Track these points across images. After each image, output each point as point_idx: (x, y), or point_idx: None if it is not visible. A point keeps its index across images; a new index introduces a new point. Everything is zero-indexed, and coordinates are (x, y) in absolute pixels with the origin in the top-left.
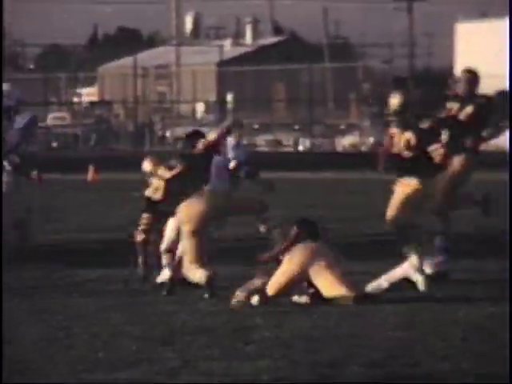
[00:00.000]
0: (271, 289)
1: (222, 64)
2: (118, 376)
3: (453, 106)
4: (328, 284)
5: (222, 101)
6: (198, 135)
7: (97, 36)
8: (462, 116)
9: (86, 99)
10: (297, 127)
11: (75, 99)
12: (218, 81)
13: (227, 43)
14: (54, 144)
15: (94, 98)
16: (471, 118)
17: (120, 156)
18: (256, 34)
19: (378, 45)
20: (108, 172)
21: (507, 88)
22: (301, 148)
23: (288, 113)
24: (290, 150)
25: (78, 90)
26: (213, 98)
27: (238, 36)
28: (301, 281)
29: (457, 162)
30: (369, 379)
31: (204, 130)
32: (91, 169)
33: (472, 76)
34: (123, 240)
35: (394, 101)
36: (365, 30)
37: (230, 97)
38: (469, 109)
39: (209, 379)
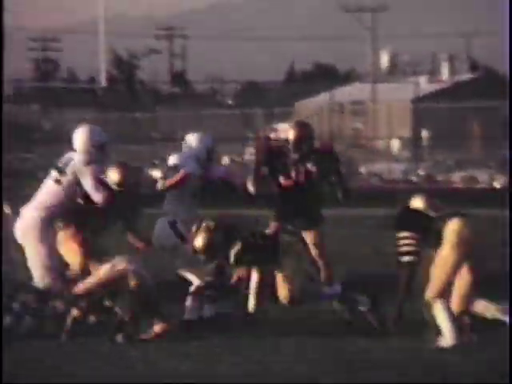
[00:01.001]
0: None
1: (417, 100)
2: None
3: None
4: None
5: (417, 137)
6: None
7: (293, 72)
8: None
9: (282, 135)
10: (492, 164)
11: (272, 135)
12: (412, 117)
13: (423, 80)
14: (250, 178)
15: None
16: None
17: None
18: (452, 71)
19: None
20: None
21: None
22: (496, 185)
23: (483, 150)
24: (486, 186)
25: (275, 126)
26: (407, 134)
27: (433, 72)
28: None
29: None
30: None
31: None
32: None
33: None
34: None
35: None
36: None
37: (424, 133)
38: None
39: None
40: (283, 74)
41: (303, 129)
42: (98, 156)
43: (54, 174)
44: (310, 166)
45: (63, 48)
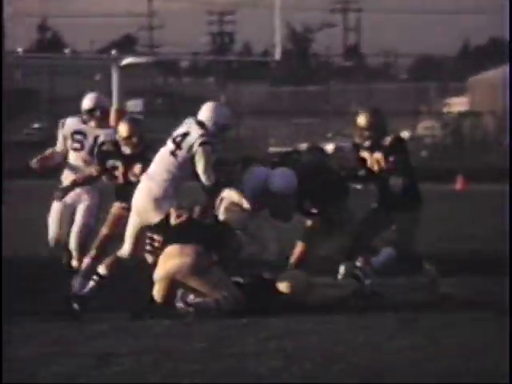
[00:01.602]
0: None
1: None
2: None
3: None
4: None
5: None
6: None
7: (468, 46)
8: None
9: (454, 109)
10: None
11: (444, 109)
12: None
13: None
14: (424, 153)
15: (463, 108)
16: None
17: (489, 168)
18: None
19: None
20: (476, 182)
21: None
22: None
23: None
24: None
25: (448, 100)
26: None
27: None
28: None
29: None
30: None
31: None
32: (460, 178)
33: None
34: None
35: None
36: None
37: None
38: None
39: None
40: (457, 48)
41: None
42: (216, 138)
43: (170, 145)
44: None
45: (239, 21)
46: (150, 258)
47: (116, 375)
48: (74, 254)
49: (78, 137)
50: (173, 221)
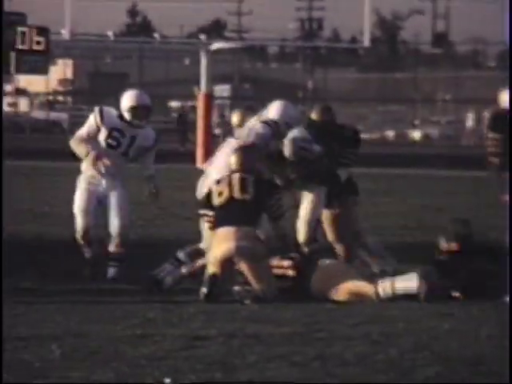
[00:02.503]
0: None
1: None
2: None
3: None
4: None
5: None
6: None
7: None
8: None
9: None
10: None
11: None
12: None
13: None
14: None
15: None
16: None
17: None
18: None
19: None
20: None
21: None
22: None
23: None
24: None
25: None
26: None
27: None
28: None
29: None
30: None
31: None
32: None
33: None
34: None
35: None
36: None
37: None
38: None
39: None
40: None
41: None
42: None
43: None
44: None
45: (328, 8)
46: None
47: (203, 358)
48: (117, 239)
49: (116, 134)
50: (215, 200)
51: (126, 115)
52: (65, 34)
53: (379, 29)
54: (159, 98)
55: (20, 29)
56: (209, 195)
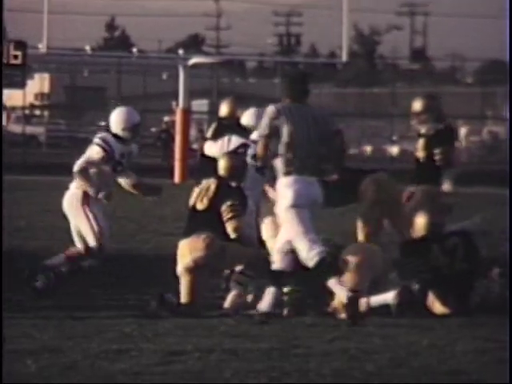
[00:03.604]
0: None
1: None
2: None
3: None
4: None
5: None
6: None
7: None
8: None
9: None
10: None
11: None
12: None
13: None
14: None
15: None
16: None
17: None
18: None
19: None
20: None
21: None
22: None
23: None
24: None
25: None
26: None
27: None
28: None
29: None
30: None
31: None
32: None
33: None
34: None
35: None
36: None
37: None
38: None
39: None
40: None
41: None
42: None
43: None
44: None
45: (306, 23)
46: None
47: (180, 373)
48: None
49: (121, 158)
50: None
51: (122, 134)
52: (42, 47)
53: (357, 44)
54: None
55: None
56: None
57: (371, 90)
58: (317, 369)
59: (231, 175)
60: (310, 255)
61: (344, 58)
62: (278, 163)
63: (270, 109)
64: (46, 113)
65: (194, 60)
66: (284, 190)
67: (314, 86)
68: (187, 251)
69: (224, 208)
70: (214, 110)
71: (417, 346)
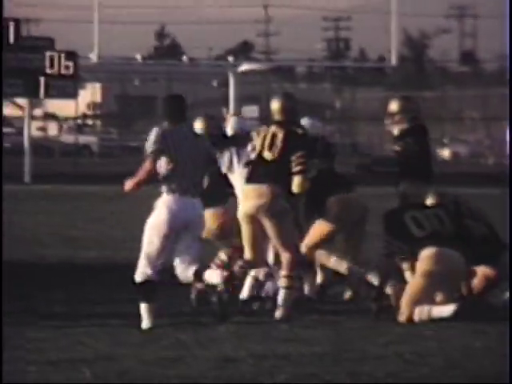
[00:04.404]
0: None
1: None
2: None
3: None
4: None
5: None
6: None
7: None
8: None
9: None
10: None
11: None
12: None
13: None
14: None
15: None
16: None
17: None
18: None
19: None
20: None
21: None
22: None
23: None
24: None
25: None
26: None
27: None
28: None
29: None
30: None
31: None
32: None
33: None
34: None
35: None
36: None
37: None
38: None
39: None
40: None
41: None
42: None
43: None
44: None
45: (354, 27)
46: None
47: (234, 379)
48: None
49: None
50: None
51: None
52: (93, 57)
53: (406, 47)
54: (189, 121)
55: (48, 54)
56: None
57: (420, 94)
58: (371, 372)
59: None
60: (138, 272)
61: (393, 61)
62: (162, 182)
63: (155, 131)
64: (97, 122)
65: (243, 67)
66: (159, 207)
67: (363, 90)
68: (252, 197)
69: (293, 159)
70: (264, 115)
71: (471, 349)
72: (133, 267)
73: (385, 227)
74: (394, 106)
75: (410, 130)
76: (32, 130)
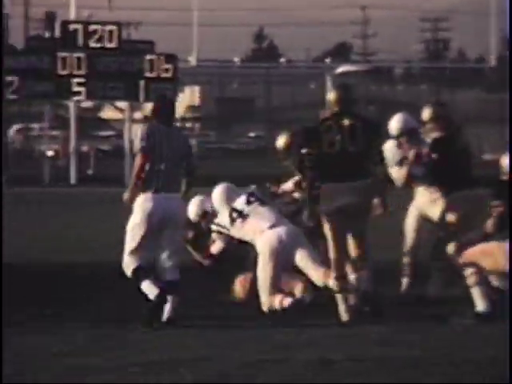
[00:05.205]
0: None
1: None
2: None
3: None
4: None
5: None
6: None
7: None
8: None
9: None
10: None
11: None
12: None
13: None
14: None
15: None
16: None
17: None
18: None
19: None
20: None
21: None
22: None
23: None
24: None
25: None
26: None
27: None
28: None
29: None
30: None
31: None
32: None
33: None
34: None
35: None
36: None
37: None
38: None
39: None
40: None
41: None
42: None
43: None
44: None
45: (453, 28)
46: None
47: (331, 382)
48: None
49: None
50: None
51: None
52: (192, 60)
53: (505, 47)
54: (286, 123)
55: (148, 57)
56: None
57: None
58: (471, 377)
59: None
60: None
61: (492, 62)
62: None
63: (143, 128)
64: (196, 125)
65: (341, 68)
66: (138, 206)
67: (462, 92)
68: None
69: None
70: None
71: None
72: None
73: None
74: (425, 113)
75: (440, 141)
76: (132, 133)
